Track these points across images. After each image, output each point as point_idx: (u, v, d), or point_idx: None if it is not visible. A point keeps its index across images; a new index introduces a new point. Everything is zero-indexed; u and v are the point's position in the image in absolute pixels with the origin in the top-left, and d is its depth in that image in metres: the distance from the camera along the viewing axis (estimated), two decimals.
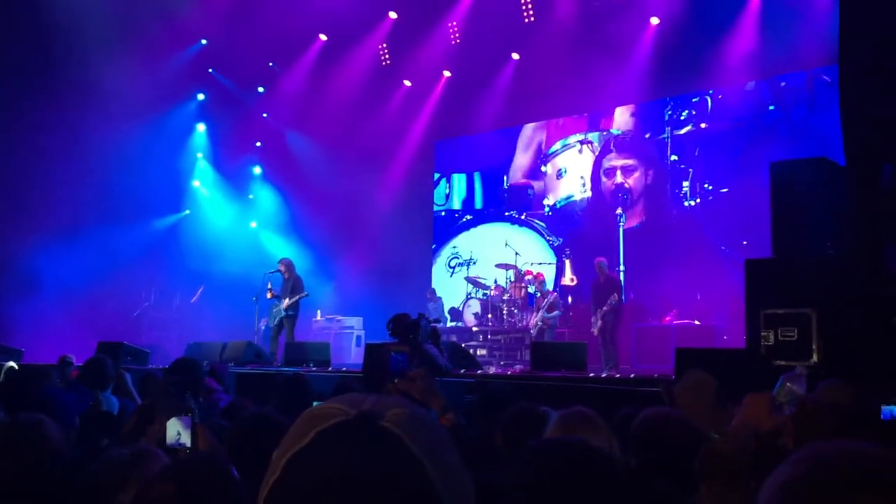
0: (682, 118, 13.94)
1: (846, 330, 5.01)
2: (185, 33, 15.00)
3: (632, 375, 8.37)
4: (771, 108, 13.00)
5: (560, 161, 15.67)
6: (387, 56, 15.79)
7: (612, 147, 14.85)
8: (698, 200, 13.58)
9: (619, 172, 14.60)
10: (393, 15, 15.04)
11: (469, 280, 15.33)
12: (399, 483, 0.74)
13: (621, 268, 13.92)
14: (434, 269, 17.31)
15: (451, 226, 17.43)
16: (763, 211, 6.40)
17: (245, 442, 2.69)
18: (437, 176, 17.77)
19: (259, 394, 5.99)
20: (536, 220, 15.83)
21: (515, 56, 15.11)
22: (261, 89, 17.13)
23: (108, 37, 13.19)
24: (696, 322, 12.08)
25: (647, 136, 14.44)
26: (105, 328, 12.25)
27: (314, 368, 9.16)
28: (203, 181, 17.34)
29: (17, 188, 13.37)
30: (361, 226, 16.41)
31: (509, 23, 14.19)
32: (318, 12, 14.46)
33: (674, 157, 13.99)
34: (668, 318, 12.64)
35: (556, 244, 15.38)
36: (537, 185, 15.99)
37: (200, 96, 16.77)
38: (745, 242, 11.96)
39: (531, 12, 13.94)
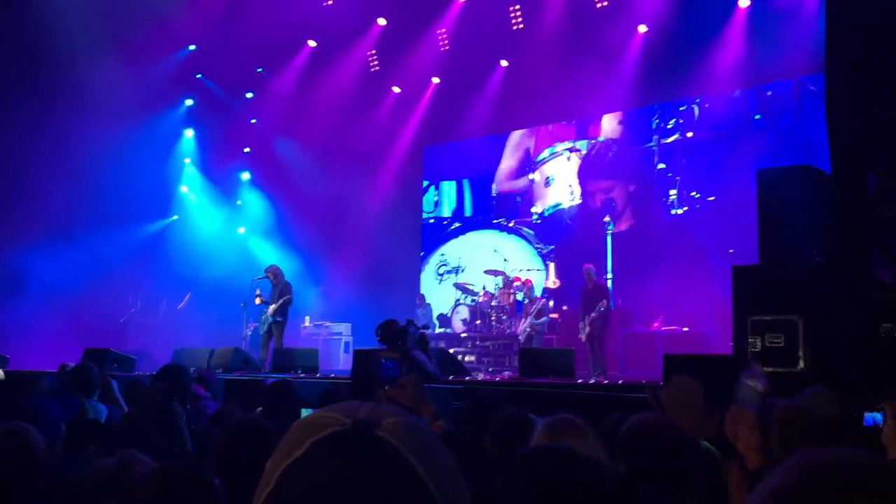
0: (669, 127, 14.02)
1: (832, 336, 5.04)
2: (174, 39, 14.96)
3: (620, 382, 8.37)
4: (757, 116, 13.08)
5: (548, 169, 15.71)
6: (376, 62, 15.79)
7: (594, 157, 14.91)
8: (686, 208, 13.65)
9: (600, 193, 14.72)
10: (382, 21, 15.06)
11: (458, 286, 15.33)
12: (396, 493, 0.73)
13: (609, 275, 13.96)
14: (423, 276, 17.30)
15: (439, 233, 17.44)
16: (750, 218, 6.44)
17: (233, 448, 2.68)
18: (425, 183, 17.79)
19: (247, 400, 5.97)
20: (525, 228, 15.86)
21: (504, 63, 15.16)
22: (249, 95, 17.10)
23: (97, 41, 13.15)
24: (684, 328, 12.13)
25: (634, 146, 14.51)
26: (91, 334, 12.16)
27: (302, 375, 9.11)
28: (191, 187, 17.28)
29: (2, 191, 13.27)
30: (350, 232, 16.38)
31: (498, 30, 14.24)
32: (306, 18, 14.46)
33: (661, 166, 14.06)
34: (655, 325, 12.69)
35: (544, 251, 15.41)
36: (525, 192, 16.02)
37: (189, 102, 16.73)
38: (731, 251, 12.03)
39: (520, 20, 14.00)
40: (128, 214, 15.12)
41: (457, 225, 17.23)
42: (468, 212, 17.12)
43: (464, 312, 14.80)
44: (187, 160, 17.13)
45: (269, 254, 16.26)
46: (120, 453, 2.34)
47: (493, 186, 16.54)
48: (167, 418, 3.70)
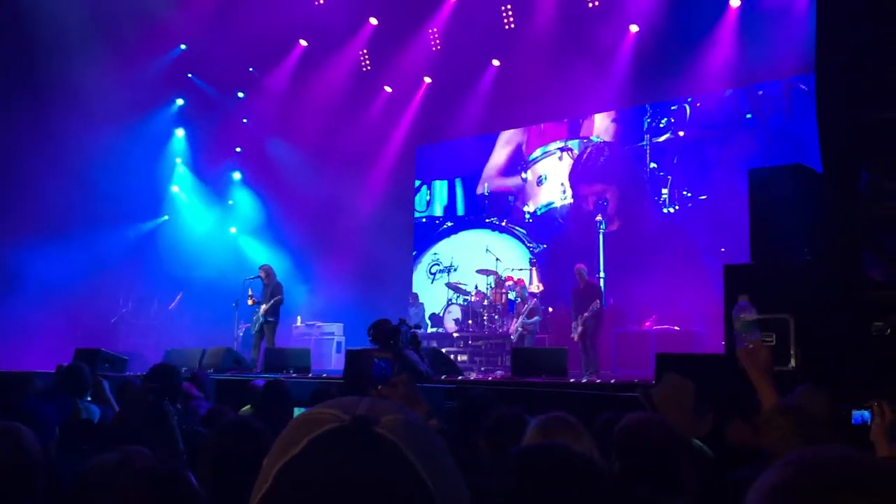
0: (660, 126, 14.06)
1: (824, 335, 5.06)
2: (165, 38, 14.91)
3: (612, 381, 8.39)
4: (748, 115, 13.13)
5: (540, 168, 15.74)
6: (367, 62, 15.78)
7: (586, 160, 14.94)
8: (677, 207, 13.69)
9: (592, 195, 14.74)
10: (373, 21, 15.05)
11: (450, 286, 15.34)
12: (395, 490, 0.72)
13: (601, 274, 13.99)
14: (415, 275, 17.30)
15: (431, 232, 17.45)
16: (741, 217, 6.46)
17: (225, 448, 2.67)
18: (417, 183, 17.78)
19: (238, 401, 5.96)
20: (517, 227, 15.88)
21: (496, 63, 15.17)
22: (241, 94, 17.07)
23: (88, 40, 13.10)
24: (676, 328, 12.17)
25: (625, 146, 14.54)
26: (82, 334, 12.13)
27: (294, 375, 9.09)
28: (182, 186, 17.23)
29: None
30: (342, 232, 16.36)
31: (490, 29, 14.25)
32: (298, 18, 14.44)
33: (653, 165, 14.10)
34: (648, 324, 12.72)
35: (536, 250, 15.43)
36: (517, 191, 16.04)
37: (180, 101, 16.67)
38: (723, 249, 12.07)
39: (511, 19, 14.01)
40: (119, 214, 15.08)
41: (449, 224, 17.24)
42: (460, 211, 17.13)
43: (456, 312, 14.81)
44: (178, 160, 17.08)
45: (260, 254, 16.23)
46: (124, 450, 2.33)
47: (485, 185, 16.55)
48: (158, 418, 3.68)
